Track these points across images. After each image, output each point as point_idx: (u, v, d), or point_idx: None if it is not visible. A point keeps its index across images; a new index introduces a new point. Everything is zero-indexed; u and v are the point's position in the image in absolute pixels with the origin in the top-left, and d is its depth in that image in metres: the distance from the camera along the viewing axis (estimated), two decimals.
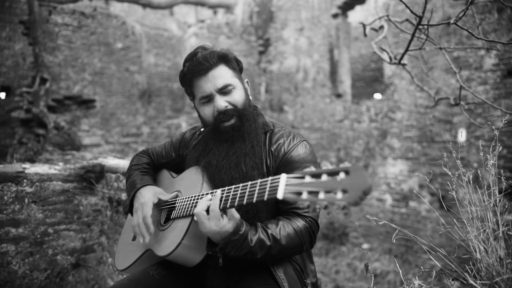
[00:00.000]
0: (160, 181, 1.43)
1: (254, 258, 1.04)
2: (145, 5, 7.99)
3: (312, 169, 0.82)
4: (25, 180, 2.31)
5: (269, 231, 1.05)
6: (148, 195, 1.24)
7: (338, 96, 6.89)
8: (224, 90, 1.17)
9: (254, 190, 0.93)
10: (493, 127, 1.32)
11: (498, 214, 1.13)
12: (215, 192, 1.04)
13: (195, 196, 1.13)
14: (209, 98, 1.19)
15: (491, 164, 1.19)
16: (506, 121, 1.38)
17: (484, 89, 4.50)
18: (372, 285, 1.25)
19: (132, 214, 1.28)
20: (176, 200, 1.23)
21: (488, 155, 1.21)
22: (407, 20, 2.42)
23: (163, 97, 8.49)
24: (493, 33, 4.31)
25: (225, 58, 1.20)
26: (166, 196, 1.26)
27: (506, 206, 1.22)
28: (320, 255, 5.77)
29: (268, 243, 1.04)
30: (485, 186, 1.16)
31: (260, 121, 1.26)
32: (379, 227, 5.72)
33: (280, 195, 0.83)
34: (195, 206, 1.08)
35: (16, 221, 2.26)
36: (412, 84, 5.27)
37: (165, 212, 1.29)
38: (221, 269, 1.15)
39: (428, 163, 5.07)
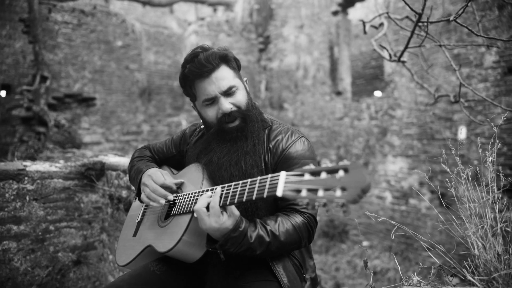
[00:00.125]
0: None
1: (254, 254, 1.05)
2: (145, 3, 7.98)
3: (312, 166, 0.82)
4: (26, 178, 2.32)
5: (268, 228, 1.06)
6: (155, 169, 1.28)
7: (338, 93, 6.89)
8: (229, 92, 1.17)
9: (254, 188, 0.94)
10: (492, 124, 1.32)
11: (497, 211, 1.13)
12: (215, 189, 1.05)
13: (195, 193, 1.14)
14: (213, 100, 1.18)
15: (490, 161, 1.20)
16: (505, 118, 1.38)
17: (484, 86, 4.50)
18: (371, 282, 1.26)
19: (139, 198, 1.29)
20: (176, 196, 1.24)
21: (487, 152, 1.22)
22: (407, 17, 2.42)
23: (163, 95, 8.49)
24: (494, 30, 4.30)
25: (226, 58, 1.19)
26: (171, 180, 1.25)
27: (505, 203, 1.23)
28: (320, 252, 5.79)
29: (267, 239, 1.05)
30: (484, 183, 1.17)
31: (261, 119, 1.27)
32: (379, 225, 5.74)
33: (279, 193, 0.84)
34: (195, 202, 1.09)
35: (17, 219, 2.28)
36: (412, 82, 5.26)
37: (165, 208, 1.29)
38: (221, 266, 1.16)
39: (428, 160, 5.07)
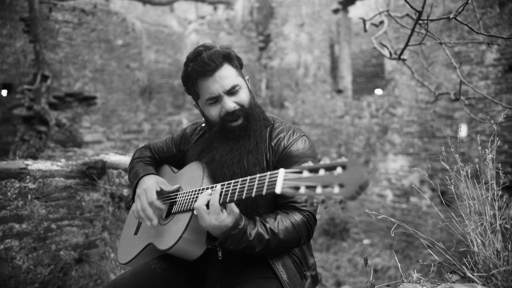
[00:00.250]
0: (161, 176, 1.45)
1: (253, 252, 1.06)
2: (145, 2, 7.97)
3: (310, 164, 0.83)
4: (28, 177, 2.34)
5: (268, 225, 1.07)
6: (150, 182, 1.26)
7: (339, 92, 6.88)
8: (232, 91, 1.18)
9: (253, 185, 0.95)
10: (492, 121, 1.32)
11: (496, 208, 1.14)
12: (215, 186, 1.06)
13: (195, 191, 1.15)
14: (216, 99, 1.18)
15: (490, 158, 1.20)
16: (505, 116, 1.38)
17: (485, 84, 4.49)
18: (371, 279, 1.26)
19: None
20: (177, 195, 1.25)
21: (486, 150, 1.22)
22: (407, 15, 2.42)
23: (164, 94, 8.50)
24: (495, 28, 4.29)
25: (229, 57, 1.19)
26: (168, 187, 1.27)
27: (505, 200, 1.23)
28: (321, 250, 5.80)
29: (266, 237, 1.06)
30: (483, 181, 1.17)
31: (263, 117, 1.27)
32: (380, 223, 5.74)
33: (278, 190, 0.84)
34: (195, 200, 1.09)
35: (19, 217, 2.29)
36: (413, 80, 5.25)
37: (166, 206, 1.30)
38: (220, 263, 1.17)
39: (429, 158, 5.07)
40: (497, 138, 1.25)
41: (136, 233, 1.36)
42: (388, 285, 1.25)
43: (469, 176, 1.21)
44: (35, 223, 2.36)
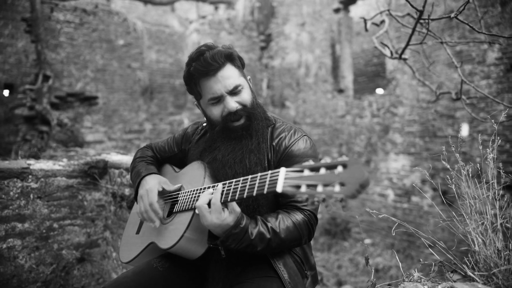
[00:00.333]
0: (163, 175, 1.45)
1: (254, 251, 1.06)
2: (146, 2, 7.99)
3: (311, 162, 0.83)
4: (30, 176, 2.35)
5: (269, 224, 1.07)
6: (153, 182, 1.26)
7: (340, 91, 6.88)
8: (234, 91, 1.18)
9: (254, 184, 0.95)
10: (492, 121, 1.32)
11: (497, 207, 1.14)
12: (217, 186, 1.06)
13: (197, 190, 1.15)
14: (218, 99, 1.19)
15: (491, 158, 1.20)
16: (505, 115, 1.38)
17: (487, 83, 4.48)
18: (372, 278, 1.26)
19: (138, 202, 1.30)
20: (178, 194, 1.25)
21: (487, 149, 1.22)
22: (408, 14, 2.41)
23: (165, 94, 8.51)
24: (496, 27, 4.28)
25: (231, 57, 1.19)
26: (170, 187, 1.27)
27: (506, 199, 1.23)
28: (323, 250, 5.80)
29: (268, 236, 1.06)
30: (484, 180, 1.17)
31: (265, 117, 1.27)
32: (381, 222, 5.74)
33: (279, 189, 0.85)
34: (197, 199, 1.10)
35: (22, 216, 2.30)
36: (414, 79, 5.25)
37: (167, 205, 1.31)
38: (222, 262, 1.17)
39: (430, 158, 5.06)
40: (498, 138, 1.25)
41: (138, 232, 1.37)
42: (389, 284, 1.25)
43: (470, 175, 1.21)
44: (37, 223, 2.37)
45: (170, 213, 1.27)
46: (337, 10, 6.80)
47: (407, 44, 1.98)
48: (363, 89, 8.78)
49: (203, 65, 1.15)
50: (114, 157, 2.84)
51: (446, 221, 1.22)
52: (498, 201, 1.15)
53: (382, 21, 2.47)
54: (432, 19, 1.78)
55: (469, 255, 1.10)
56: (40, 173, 2.40)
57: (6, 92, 6.24)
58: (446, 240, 4.06)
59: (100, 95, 6.90)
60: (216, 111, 1.21)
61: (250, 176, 0.98)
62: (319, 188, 0.76)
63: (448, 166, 1.23)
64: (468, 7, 4.21)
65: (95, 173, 2.61)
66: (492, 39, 3.25)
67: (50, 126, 5.95)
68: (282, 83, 8.17)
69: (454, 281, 1.11)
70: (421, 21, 2.11)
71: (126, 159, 2.75)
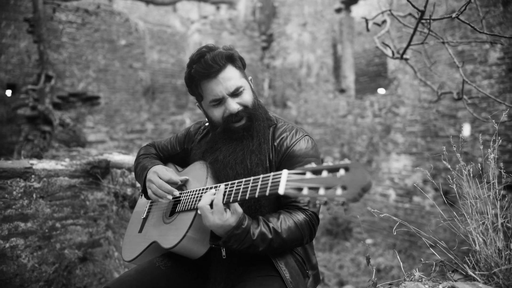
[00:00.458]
0: None
1: (256, 251, 1.07)
2: (148, 2, 8.00)
3: (313, 165, 0.83)
4: (33, 176, 2.36)
5: (271, 225, 1.08)
6: (160, 166, 1.30)
7: (342, 91, 6.87)
8: (236, 93, 1.18)
9: (257, 185, 0.95)
10: (494, 121, 1.32)
11: (498, 207, 1.14)
12: (219, 186, 1.06)
13: (199, 190, 1.16)
14: (220, 101, 1.19)
15: (492, 158, 1.20)
16: (506, 115, 1.38)
17: (489, 83, 4.47)
18: (373, 277, 1.27)
19: (146, 195, 1.32)
20: (181, 194, 1.26)
21: (489, 149, 1.22)
22: (410, 14, 2.41)
23: (167, 94, 8.53)
24: (498, 27, 4.27)
25: (232, 58, 1.19)
26: (176, 177, 1.27)
27: (507, 199, 1.23)
28: (324, 250, 5.80)
29: (269, 236, 1.06)
30: (485, 180, 1.17)
31: (266, 117, 1.28)
32: (383, 222, 5.74)
33: (281, 191, 0.85)
34: (199, 200, 1.10)
35: (24, 216, 2.31)
36: (416, 79, 5.24)
37: (170, 205, 1.32)
38: (224, 262, 1.17)
39: (432, 158, 5.06)
40: (499, 137, 1.25)
41: (140, 231, 1.38)
42: (390, 284, 1.25)
43: (472, 175, 1.21)
44: (40, 222, 2.38)
45: (173, 213, 1.27)
46: (338, 10, 6.80)
47: (409, 44, 1.99)
48: (364, 89, 8.78)
49: (204, 67, 1.15)
50: (116, 157, 2.85)
51: (447, 221, 1.22)
52: (499, 201, 1.15)
53: (384, 21, 2.47)
54: (434, 19, 1.78)
55: (470, 255, 1.11)
56: (43, 173, 2.41)
57: (8, 92, 6.27)
58: (447, 240, 4.06)
59: (102, 95, 6.92)
60: (217, 113, 1.21)
61: (252, 178, 0.99)
62: (321, 191, 0.76)
63: (449, 166, 1.24)
64: (470, 6, 4.20)
65: (97, 173, 2.63)
66: (494, 39, 3.25)
67: (52, 126, 5.97)
68: (283, 83, 8.17)
69: (455, 281, 1.11)
70: (423, 21, 2.11)
71: (128, 159, 2.77)
